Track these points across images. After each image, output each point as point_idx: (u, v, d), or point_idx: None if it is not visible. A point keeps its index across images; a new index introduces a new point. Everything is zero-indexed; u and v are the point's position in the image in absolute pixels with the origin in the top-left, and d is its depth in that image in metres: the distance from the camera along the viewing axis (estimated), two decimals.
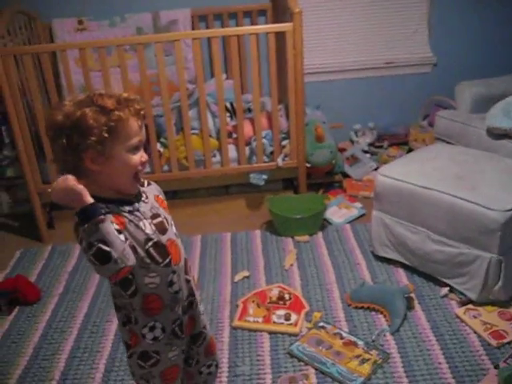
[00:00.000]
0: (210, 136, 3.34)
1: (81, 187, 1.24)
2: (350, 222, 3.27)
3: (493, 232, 2.33)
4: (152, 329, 1.47)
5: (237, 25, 3.80)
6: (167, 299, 1.46)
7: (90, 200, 1.25)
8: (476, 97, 3.44)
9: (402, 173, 2.68)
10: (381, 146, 4.06)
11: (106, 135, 1.28)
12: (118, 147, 1.31)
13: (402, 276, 2.75)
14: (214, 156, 3.38)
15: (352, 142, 4.14)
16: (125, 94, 1.35)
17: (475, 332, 2.36)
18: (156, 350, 1.49)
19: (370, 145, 4.07)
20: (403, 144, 4.06)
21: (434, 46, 3.97)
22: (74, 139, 1.27)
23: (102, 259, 1.22)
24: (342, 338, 2.35)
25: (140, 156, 1.37)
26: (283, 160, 3.37)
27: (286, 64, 3.16)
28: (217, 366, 1.80)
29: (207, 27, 3.80)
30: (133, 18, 3.72)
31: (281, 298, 2.60)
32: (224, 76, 3.44)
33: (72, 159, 1.30)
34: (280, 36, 3.15)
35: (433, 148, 2.98)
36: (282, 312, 2.51)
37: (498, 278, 2.42)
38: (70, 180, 1.25)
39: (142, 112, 1.36)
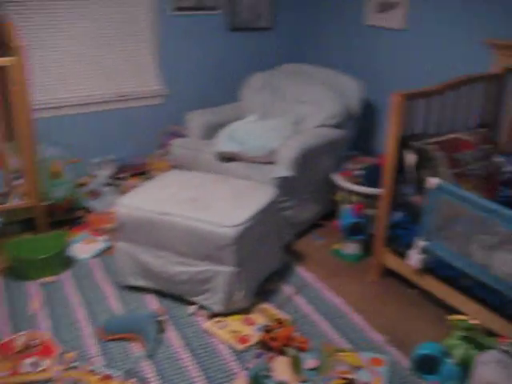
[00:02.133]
0: None
1: None
2: (96, 256, 3.24)
3: (228, 247, 2.55)
4: None
5: None
6: None
7: None
8: (205, 125, 3.72)
9: (139, 202, 2.76)
10: (122, 178, 4.11)
11: None
12: None
13: (152, 301, 2.82)
14: None
15: (92, 175, 4.11)
16: None
17: (223, 341, 2.54)
18: None
19: (111, 177, 4.09)
20: (143, 174, 4.17)
21: (165, 78, 4.17)
22: None
23: None
24: (96, 373, 2.32)
25: None
26: (17, 200, 3.20)
27: (12, 100, 3.02)
28: None
29: None
30: None
31: (28, 345, 2.46)
32: None
33: None
34: (2, 71, 3.00)
35: (168, 175, 3.13)
36: (30, 360, 2.37)
37: (239, 288, 2.64)
38: None
39: None
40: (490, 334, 2.32)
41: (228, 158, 3.38)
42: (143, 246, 2.76)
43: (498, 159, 2.83)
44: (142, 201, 2.77)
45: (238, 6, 4.18)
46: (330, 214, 3.59)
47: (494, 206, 2.32)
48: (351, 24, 3.98)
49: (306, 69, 3.97)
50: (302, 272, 3.10)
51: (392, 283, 3.00)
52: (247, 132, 3.39)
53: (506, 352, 1.49)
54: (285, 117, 3.56)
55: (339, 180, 3.39)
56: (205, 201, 2.74)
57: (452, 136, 2.84)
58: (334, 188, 3.46)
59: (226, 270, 2.60)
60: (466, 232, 2.48)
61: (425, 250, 2.65)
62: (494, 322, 2.39)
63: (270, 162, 3.29)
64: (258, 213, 2.69)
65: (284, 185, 3.15)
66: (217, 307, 2.68)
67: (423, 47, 3.48)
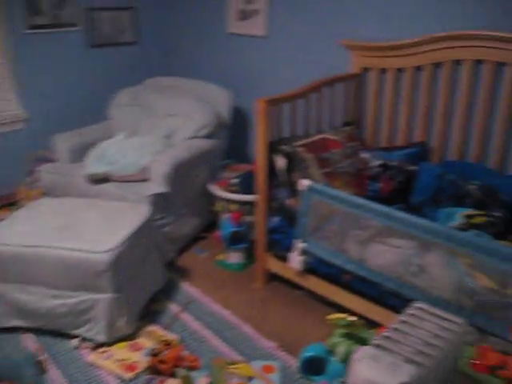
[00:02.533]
0: None
1: None
2: None
3: (103, 273, 2.43)
4: None
5: None
6: None
7: None
8: (73, 147, 3.54)
9: (5, 236, 2.57)
10: None
11: None
12: None
13: (29, 341, 2.62)
14: None
15: None
16: None
17: (111, 372, 2.41)
18: None
19: None
20: (13, 205, 3.91)
21: (24, 101, 3.93)
22: None
23: None
24: None
25: None
26: None
27: None
28: None
29: None
30: None
31: None
32: None
33: None
34: None
35: (38, 204, 2.95)
36: None
37: (121, 314, 2.53)
38: None
39: None
40: (376, 325, 2.40)
41: (100, 179, 3.24)
42: (13, 284, 2.56)
43: (365, 155, 2.93)
44: (7, 235, 2.57)
45: (98, 22, 4.04)
46: (212, 225, 3.56)
47: (362, 201, 2.39)
48: (215, 33, 3.99)
49: (174, 81, 3.92)
50: (187, 288, 3.04)
51: (278, 287, 3.02)
52: (117, 151, 3.27)
53: (378, 346, 1.52)
54: (155, 132, 3.48)
55: (216, 190, 3.36)
56: (76, 228, 2.60)
57: (319, 137, 2.91)
58: (213, 199, 3.43)
59: (105, 297, 2.48)
60: (341, 229, 2.54)
61: (304, 251, 2.69)
62: (377, 312, 2.47)
63: (144, 180, 3.20)
64: (132, 234, 2.59)
65: (159, 201, 3.07)
66: (100, 337, 2.54)
67: (287, 52, 3.55)
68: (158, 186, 3.09)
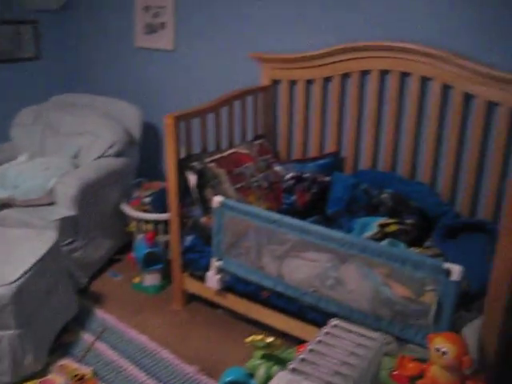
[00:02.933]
0: None
1: None
2: None
3: (4, 308, 2.24)
4: None
5: None
6: None
7: None
8: None
9: None
10: None
11: None
12: None
13: None
14: None
15: None
16: None
17: None
18: None
19: None
20: None
21: None
22: None
23: None
24: None
25: None
26: None
27: None
28: None
29: None
30: None
31: None
32: None
33: None
34: None
35: None
36: None
37: (27, 351, 2.35)
38: None
39: None
40: (298, 341, 2.36)
41: (1, 205, 3.03)
42: None
43: (278, 168, 2.90)
44: None
45: None
46: (127, 246, 3.42)
47: (275, 215, 2.35)
48: (123, 48, 3.85)
49: (81, 98, 3.75)
50: (102, 315, 2.87)
51: (198, 308, 2.92)
52: (19, 173, 3.07)
53: (294, 370, 1.46)
54: (61, 152, 3.30)
55: (129, 210, 3.23)
56: None
57: (231, 151, 2.85)
58: (126, 219, 3.30)
59: (8, 334, 2.29)
60: (256, 245, 2.48)
61: (220, 270, 2.61)
62: (297, 328, 2.43)
63: (50, 203, 3.02)
64: (37, 263, 2.41)
65: (67, 225, 2.90)
66: (5, 378, 2.34)
67: (196, 66, 3.47)
68: (64, 210, 2.92)
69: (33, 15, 3.94)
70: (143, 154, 3.61)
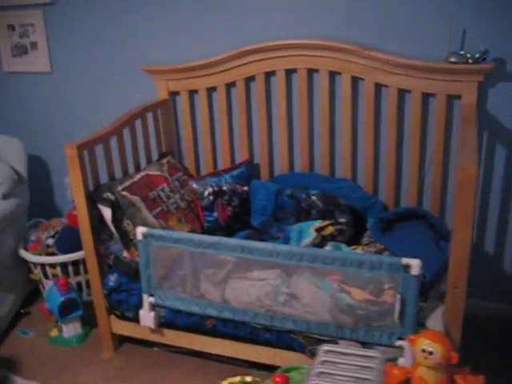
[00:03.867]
0: None
1: None
2: None
3: None
4: None
5: None
6: None
7: None
8: None
9: None
10: None
11: None
12: None
13: None
14: None
15: None
16: None
17: None
18: None
19: None
20: None
21: None
22: None
23: None
24: None
25: None
26: None
27: None
28: None
29: None
30: None
31: None
32: None
33: None
34: None
35: None
36: None
37: None
38: None
39: None
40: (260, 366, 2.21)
41: None
42: None
43: (194, 185, 2.71)
44: None
45: None
46: (32, 296, 3.04)
47: (212, 238, 2.18)
48: None
49: None
50: (22, 382, 2.51)
51: (130, 350, 2.65)
52: None
53: None
54: None
55: (29, 256, 2.86)
56: None
57: (141, 175, 2.61)
58: (27, 266, 2.93)
59: None
60: (192, 273, 2.28)
61: (155, 306, 2.38)
62: (251, 353, 2.29)
63: None
64: None
65: None
66: None
67: (82, 87, 3.14)
68: None
69: None
70: (32, 191, 3.21)
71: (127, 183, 2.51)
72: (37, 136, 3.31)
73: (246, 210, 2.71)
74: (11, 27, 3.15)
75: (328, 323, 2.07)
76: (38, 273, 2.91)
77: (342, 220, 2.45)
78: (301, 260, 2.05)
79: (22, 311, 2.97)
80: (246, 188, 2.73)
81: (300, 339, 2.17)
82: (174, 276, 2.33)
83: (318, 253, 2.05)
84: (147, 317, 2.40)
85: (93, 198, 2.39)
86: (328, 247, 2.30)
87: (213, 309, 2.26)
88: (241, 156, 2.88)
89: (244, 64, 2.69)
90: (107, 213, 2.39)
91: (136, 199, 2.46)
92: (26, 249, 2.92)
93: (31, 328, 2.87)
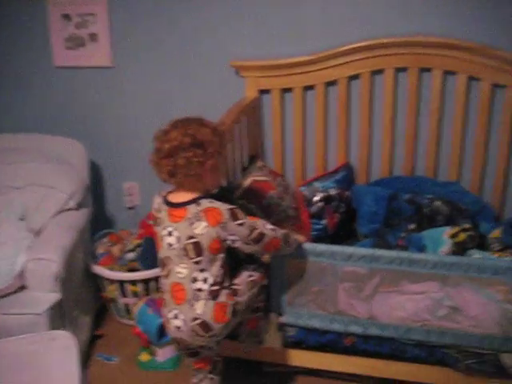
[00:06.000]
0: None
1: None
2: None
3: None
4: None
5: None
6: None
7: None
8: None
9: None
10: None
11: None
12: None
13: None
14: None
15: None
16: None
17: None
18: None
19: None
20: None
21: None
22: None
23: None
24: None
25: None
26: None
27: None
28: None
29: None
30: None
31: None
32: None
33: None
34: None
35: None
36: None
37: None
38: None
39: None
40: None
41: None
42: None
43: (300, 190, 2.52)
44: None
45: None
46: (99, 317, 2.73)
47: (366, 250, 2.03)
48: (41, 71, 2.93)
49: (7, 140, 2.85)
50: None
51: (236, 370, 2.40)
52: None
53: None
54: (4, 216, 2.46)
55: (106, 272, 2.56)
56: None
57: (249, 180, 2.39)
58: (100, 283, 2.63)
59: None
60: (329, 288, 2.11)
61: (282, 326, 2.18)
62: (396, 369, 2.14)
63: (18, 289, 2.24)
64: None
65: (56, 313, 2.19)
66: None
67: (151, 85, 2.84)
68: (45, 294, 2.19)
69: None
70: (96, 199, 2.87)
71: (240, 190, 2.29)
72: (91, 138, 2.94)
73: (350, 217, 2.56)
74: (66, 17, 2.79)
75: (494, 336, 1.98)
76: (111, 291, 2.61)
77: (468, 226, 2.35)
78: (467, 271, 1.95)
79: (97, 334, 2.65)
80: (348, 193, 2.58)
81: (454, 353, 2.06)
82: (308, 292, 2.14)
83: (484, 264, 1.95)
84: (273, 337, 2.20)
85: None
86: (475, 256, 2.19)
87: (357, 325, 2.10)
88: (335, 159, 2.72)
89: (349, 62, 2.52)
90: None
91: (253, 208, 2.25)
92: (95, 264, 2.61)
93: (112, 353, 2.56)
